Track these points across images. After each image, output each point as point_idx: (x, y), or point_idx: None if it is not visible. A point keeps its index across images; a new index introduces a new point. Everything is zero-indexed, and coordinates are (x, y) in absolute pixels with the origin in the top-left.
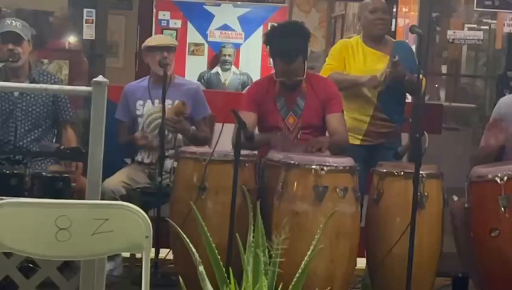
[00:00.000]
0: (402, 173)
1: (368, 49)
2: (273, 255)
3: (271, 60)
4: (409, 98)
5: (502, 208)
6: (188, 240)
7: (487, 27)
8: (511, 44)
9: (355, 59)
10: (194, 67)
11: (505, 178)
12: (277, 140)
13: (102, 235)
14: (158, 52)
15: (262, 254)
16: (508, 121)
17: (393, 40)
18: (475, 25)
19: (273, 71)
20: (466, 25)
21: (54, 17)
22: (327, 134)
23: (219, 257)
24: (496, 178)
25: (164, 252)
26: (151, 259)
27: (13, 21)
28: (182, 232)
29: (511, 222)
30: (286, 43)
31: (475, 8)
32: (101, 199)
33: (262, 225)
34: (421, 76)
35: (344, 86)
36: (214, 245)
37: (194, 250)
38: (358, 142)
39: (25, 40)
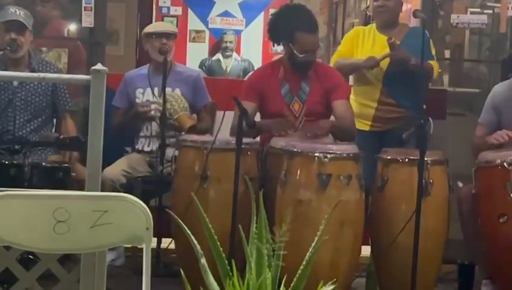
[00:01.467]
0: (407, 159)
1: (378, 35)
2: (276, 248)
3: (281, 44)
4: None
5: (511, 194)
6: (189, 231)
7: (491, 11)
8: None
9: (364, 45)
10: (195, 55)
11: None
12: (278, 126)
13: (102, 227)
14: (157, 39)
15: (265, 247)
16: (504, 108)
17: (409, 26)
18: (478, 9)
19: (276, 57)
20: (469, 9)
21: (53, 4)
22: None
23: (221, 248)
24: (505, 163)
25: (166, 242)
26: (153, 249)
27: (17, 10)
28: (183, 225)
29: None
30: (305, 14)
31: None
32: (101, 188)
33: (265, 216)
34: (432, 62)
35: (346, 70)
36: (215, 237)
37: (195, 242)
38: (367, 128)
39: (28, 30)
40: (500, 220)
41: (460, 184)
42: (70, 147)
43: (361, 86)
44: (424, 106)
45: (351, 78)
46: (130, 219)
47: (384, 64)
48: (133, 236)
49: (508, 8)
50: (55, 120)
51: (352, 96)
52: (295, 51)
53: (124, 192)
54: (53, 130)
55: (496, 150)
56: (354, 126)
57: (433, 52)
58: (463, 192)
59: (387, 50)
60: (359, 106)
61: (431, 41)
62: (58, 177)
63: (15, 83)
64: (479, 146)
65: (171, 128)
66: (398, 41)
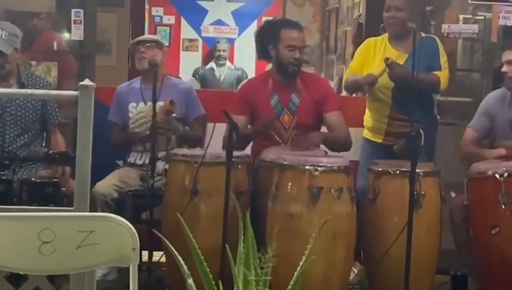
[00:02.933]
0: (398, 171)
1: (389, 47)
2: (265, 266)
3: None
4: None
5: (503, 205)
6: (177, 251)
7: (482, 17)
8: (506, 36)
9: (374, 58)
10: (189, 63)
11: (505, 174)
12: (267, 123)
13: (88, 247)
14: (137, 49)
15: (252, 267)
16: (496, 116)
17: (422, 35)
18: (470, 16)
19: (267, 67)
20: (461, 16)
21: (42, 18)
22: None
23: (211, 266)
24: (496, 175)
25: (158, 255)
26: (144, 262)
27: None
28: (170, 246)
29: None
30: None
31: (470, 1)
32: (92, 203)
33: (252, 235)
34: (439, 73)
35: (351, 88)
36: (202, 258)
37: (182, 262)
38: (380, 140)
39: (8, 53)
40: (492, 232)
41: (453, 194)
42: (59, 162)
43: (373, 102)
44: (438, 117)
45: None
46: (116, 239)
47: (391, 81)
48: (119, 256)
49: (499, 17)
50: (44, 134)
51: (367, 112)
52: (281, 52)
53: (115, 206)
54: (43, 145)
55: (487, 160)
56: (348, 136)
57: (444, 60)
58: (455, 203)
59: (383, 68)
60: (372, 121)
61: (441, 48)
62: (47, 193)
63: (4, 98)
64: (470, 154)
65: (164, 130)
66: (406, 54)
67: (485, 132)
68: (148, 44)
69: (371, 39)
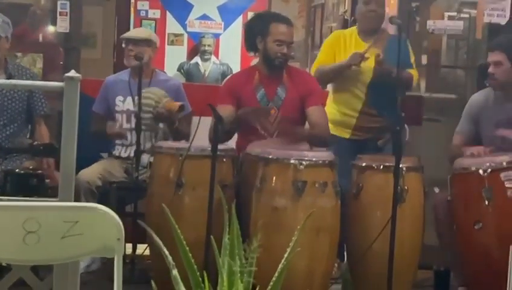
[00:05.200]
0: (382, 166)
1: (360, 42)
2: (249, 257)
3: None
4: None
5: (486, 201)
6: (162, 242)
7: (467, 15)
8: (491, 34)
9: (346, 51)
10: (174, 58)
11: (489, 170)
12: (258, 115)
13: (73, 238)
14: (126, 46)
15: (237, 257)
16: (481, 117)
17: (390, 33)
18: (455, 13)
19: (253, 61)
20: (446, 13)
21: (30, 9)
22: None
23: (196, 257)
24: (480, 170)
25: (141, 248)
26: (128, 255)
27: None
28: (156, 237)
29: (494, 214)
30: (278, 13)
31: None
32: (76, 191)
33: (238, 227)
34: (411, 71)
35: (330, 76)
36: (187, 248)
37: (167, 253)
38: (347, 136)
39: (2, 37)
40: (475, 227)
41: (436, 190)
42: (44, 153)
43: (341, 94)
44: (403, 114)
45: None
46: (101, 229)
47: (368, 76)
48: (104, 247)
49: (483, 15)
50: (29, 125)
51: (332, 105)
52: (269, 46)
53: (99, 197)
54: (28, 136)
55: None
56: (328, 132)
57: (413, 59)
58: (438, 198)
59: (372, 59)
60: (340, 114)
61: (410, 49)
62: (32, 184)
63: None
64: (456, 156)
65: (161, 119)
66: (379, 50)
67: (472, 135)
68: (138, 41)
69: (339, 31)
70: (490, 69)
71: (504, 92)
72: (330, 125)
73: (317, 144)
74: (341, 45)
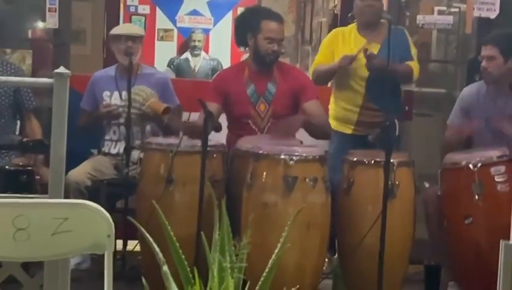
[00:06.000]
0: (373, 161)
1: (359, 37)
2: (240, 253)
3: (247, 42)
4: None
5: (476, 195)
6: (153, 238)
7: (457, 9)
8: (480, 28)
9: (345, 47)
10: (164, 53)
11: (479, 165)
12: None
13: (63, 235)
14: (123, 42)
15: (227, 254)
16: (472, 110)
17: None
18: (445, 7)
19: (243, 56)
20: (436, 7)
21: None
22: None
23: (187, 253)
24: (470, 165)
25: (132, 244)
26: (119, 251)
27: None
28: (147, 234)
29: (485, 209)
30: (270, 9)
31: None
32: (66, 191)
33: (228, 223)
34: (411, 63)
35: (325, 77)
36: (178, 244)
37: (157, 250)
38: (349, 131)
39: None
40: (465, 222)
41: (427, 185)
42: (34, 150)
43: (342, 91)
44: (406, 108)
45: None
46: (91, 226)
47: (366, 70)
48: (94, 244)
49: (473, 9)
50: (19, 121)
51: (334, 102)
52: (260, 43)
53: (89, 194)
54: (17, 131)
55: (463, 151)
56: (328, 124)
57: (413, 51)
58: (428, 193)
59: (362, 46)
60: (342, 110)
61: (411, 41)
62: (22, 181)
63: None
64: (447, 146)
65: (147, 119)
66: (378, 44)
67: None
68: (134, 38)
69: (338, 29)
70: (483, 63)
71: (496, 87)
72: (333, 121)
73: (318, 135)
74: (339, 43)
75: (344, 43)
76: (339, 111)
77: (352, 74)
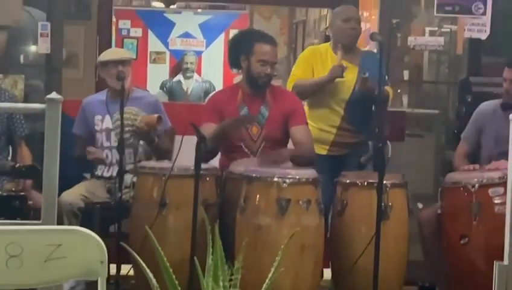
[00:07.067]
0: (366, 183)
1: (335, 57)
2: (234, 278)
3: (240, 63)
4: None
5: (473, 216)
6: (145, 264)
7: (448, 30)
8: (471, 49)
9: (324, 66)
10: (156, 76)
11: (477, 185)
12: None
13: (56, 261)
14: (113, 67)
15: (221, 278)
16: (485, 128)
17: (361, 50)
18: (436, 28)
19: (236, 78)
20: (427, 28)
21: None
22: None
23: (180, 278)
24: (469, 185)
25: (126, 268)
26: (112, 275)
27: None
28: (139, 259)
29: (481, 230)
30: (264, 32)
31: (435, 14)
32: (59, 212)
33: (221, 248)
34: (387, 88)
35: (309, 91)
36: (171, 270)
37: (151, 275)
38: (324, 152)
39: None
40: (461, 242)
41: (420, 205)
42: (26, 175)
43: (318, 109)
44: (386, 130)
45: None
46: (84, 252)
47: (348, 92)
48: (87, 270)
49: (464, 30)
50: (10, 147)
51: (308, 120)
52: (253, 65)
53: (82, 217)
54: (9, 157)
55: (465, 170)
56: (313, 151)
57: (387, 77)
58: (424, 214)
59: (350, 75)
60: (317, 131)
61: (385, 66)
62: (14, 206)
63: None
64: (458, 166)
65: (141, 134)
66: (356, 66)
67: (477, 144)
68: (124, 62)
69: (313, 47)
70: (506, 85)
71: (505, 109)
72: None
73: (302, 163)
74: (318, 60)
75: (322, 62)
76: (314, 131)
77: (332, 94)
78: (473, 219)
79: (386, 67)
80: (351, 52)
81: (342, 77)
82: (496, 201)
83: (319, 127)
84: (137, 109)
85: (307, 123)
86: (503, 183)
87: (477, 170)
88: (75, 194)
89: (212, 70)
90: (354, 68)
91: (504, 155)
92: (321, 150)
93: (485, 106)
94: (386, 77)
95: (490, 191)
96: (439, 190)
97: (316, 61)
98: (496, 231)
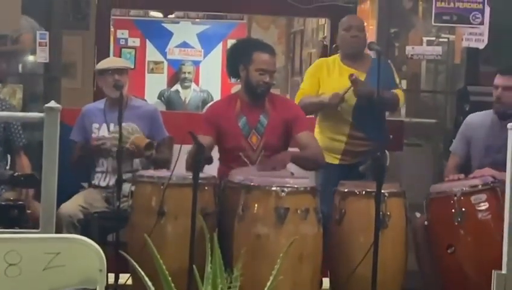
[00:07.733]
0: (364, 192)
1: (344, 67)
2: (232, 286)
3: (239, 73)
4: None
5: (457, 224)
6: (144, 272)
7: (446, 39)
8: (469, 58)
9: (330, 77)
10: (154, 86)
11: (459, 194)
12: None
13: (54, 270)
14: (111, 75)
15: (220, 287)
16: (473, 139)
17: (372, 57)
18: (433, 38)
19: (234, 88)
20: (424, 38)
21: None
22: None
23: (179, 287)
24: (452, 194)
25: (124, 277)
26: (111, 285)
27: None
28: (138, 268)
29: (466, 238)
30: (262, 41)
31: (433, 24)
32: (58, 224)
33: (220, 256)
34: (397, 91)
35: (311, 110)
36: (170, 279)
37: (150, 284)
38: (336, 161)
39: None
40: (448, 251)
41: (418, 215)
42: (25, 184)
43: (328, 120)
44: (391, 136)
45: None
46: (83, 260)
47: (353, 99)
48: (86, 278)
49: (462, 39)
50: (8, 156)
51: (318, 130)
52: (252, 74)
53: (81, 227)
54: (7, 167)
55: (451, 180)
56: (321, 155)
57: (398, 80)
58: (417, 223)
59: (347, 87)
60: (328, 140)
61: (394, 70)
62: (13, 215)
63: None
64: (449, 173)
65: (128, 156)
66: (364, 73)
67: (466, 155)
68: (121, 70)
69: (322, 60)
70: (497, 93)
71: (503, 118)
72: None
73: (309, 167)
74: (324, 73)
75: (328, 73)
76: (324, 141)
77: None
78: (458, 227)
79: (393, 72)
80: (358, 59)
81: (335, 108)
82: (479, 208)
83: (329, 137)
84: (134, 126)
85: (309, 128)
86: (485, 190)
87: (462, 179)
88: (73, 206)
89: (210, 80)
90: (362, 75)
91: (496, 164)
92: (333, 159)
93: (472, 117)
94: (397, 80)
95: (473, 198)
96: (424, 201)
97: (322, 74)
98: (482, 237)
